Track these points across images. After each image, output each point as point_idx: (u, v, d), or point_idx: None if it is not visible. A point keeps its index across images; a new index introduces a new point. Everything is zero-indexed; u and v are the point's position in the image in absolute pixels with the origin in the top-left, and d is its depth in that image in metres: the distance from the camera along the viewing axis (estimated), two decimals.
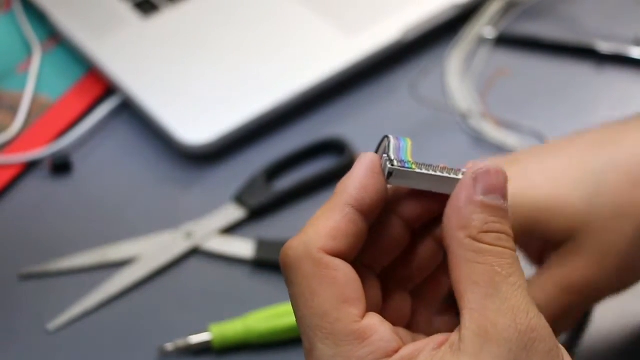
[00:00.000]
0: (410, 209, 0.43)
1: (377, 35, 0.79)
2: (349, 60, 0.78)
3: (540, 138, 0.73)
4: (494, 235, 0.39)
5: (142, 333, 0.64)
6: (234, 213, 0.70)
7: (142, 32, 0.81)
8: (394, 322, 0.41)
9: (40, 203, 0.71)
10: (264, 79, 0.77)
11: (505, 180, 0.40)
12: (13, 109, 0.77)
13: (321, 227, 0.40)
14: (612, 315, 0.62)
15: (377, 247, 0.43)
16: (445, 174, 0.41)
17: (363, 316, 0.39)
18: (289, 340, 0.63)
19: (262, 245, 0.68)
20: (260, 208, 0.70)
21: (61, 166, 0.73)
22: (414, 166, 0.41)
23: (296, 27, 0.81)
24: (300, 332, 0.40)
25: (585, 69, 0.79)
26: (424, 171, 0.41)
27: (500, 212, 0.40)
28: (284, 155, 0.73)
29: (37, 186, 0.73)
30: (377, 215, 0.42)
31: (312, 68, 0.77)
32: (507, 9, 0.83)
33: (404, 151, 0.42)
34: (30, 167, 0.74)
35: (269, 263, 0.67)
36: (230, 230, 0.70)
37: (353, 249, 0.41)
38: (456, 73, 0.79)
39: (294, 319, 0.61)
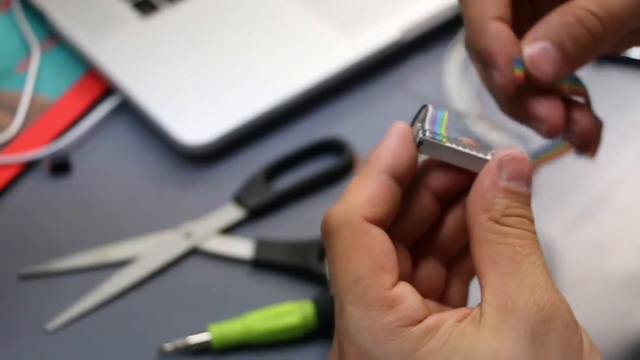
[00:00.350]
0: (439, 181, 0.44)
1: (376, 35, 0.79)
2: (348, 60, 0.78)
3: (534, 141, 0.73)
4: (515, 218, 0.41)
5: (141, 333, 0.64)
6: (233, 213, 0.70)
7: (142, 32, 0.81)
8: (425, 294, 0.42)
9: (40, 203, 0.71)
10: (263, 79, 0.77)
11: (530, 167, 0.42)
12: (12, 109, 0.77)
13: (359, 195, 0.42)
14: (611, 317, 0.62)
15: (408, 219, 0.44)
16: (474, 153, 0.43)
17: (395, 284, 0.40)
18: (289, 340, 0.63)
19: (261, 245, 0.68)
20: (259, 208, 0.70)
21: (60, 166, 0.73)
22: (444, 139, 0.43)
23: (295, 27, 0.81)
24: (333, 294, 0.41)
25: (584, 68, 0.78)
26: (453, 146, 0.43)
27: (523, 198, 0.41)
28: (283, 155, 0.73)
29: (36, 186, 0.73)
30: (408, 183, 0.43)
31: (311, 68, 0.77)
32: None
33: (439, 123, 0.44)
34: (29, 167, 0.74)
35: (269, 263, 0.67)
36: (230, 230, 0.70)
37: (390, 215, 0.42)
38: (454, 73, 0.79)
39: (294, 318, 0.62)
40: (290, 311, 0.63)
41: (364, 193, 0.42)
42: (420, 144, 0.43)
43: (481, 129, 0.74)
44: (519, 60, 0.45)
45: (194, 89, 0.76)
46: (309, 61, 0.78)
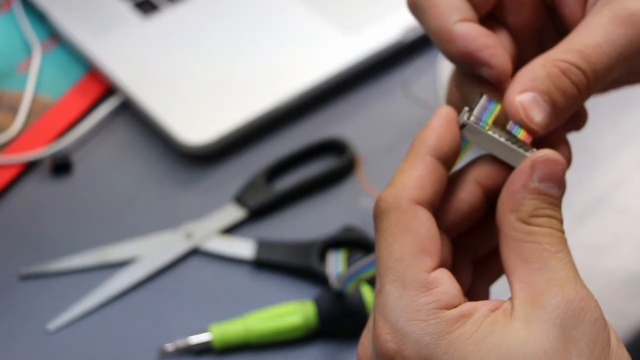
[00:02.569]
0: (489, 178, 0.44)
1: (377, 36, 0.79)
2: (348, 61, 0.78)
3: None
4: (544, 219, 0.41)
5: (142, 333, 0.64)
6: (234, 213, 0.70)
7: (142, 32, 0.81)
8: None
9: (40, 203, 0.72)
10: (264, 79, 0.77)
11: (563, 169, 0.42)
12: (13, 109, 0.77)
13: (407, 177, 0.43)
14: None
15: (455, 212, 0.45)
16: (514, 146, 0.43)
17: (434, 269, 0.41)
18: (290, 340, 0.63)
19: (262, 245, 0.68)
20: (260, 208, 0.70)
21: (61, 166, 0.73)
22: (487, 127, 0.44)
23: (296, 28, 0.81)
24: (376, 274, 0.42)
25: None
26: (494, 135, 0.43)
27: (553, 199, 0.42)
28: (284, 155, 0.73)
29: (37, 186, 0.73)
30: (453, 164, 0.44)
31: (312, 68, 0.78)
32: None
33: (488, 112, 0.44)
34: (30, 167, 0.74)
35: (269, 263, 0.67)
36: (230, 230, 0.70)
37: (437, 197, 0.43)
38: (447, 75, 0.79)
39: (295, 319, 0.62)
40: (291, 311, 0.63)
41: (411, 175, 0.43)
42: (462, 127, 0.44)
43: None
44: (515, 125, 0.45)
45: (195, 89, 0.76)
46: (310, 61, 0.78)
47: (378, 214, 0.43)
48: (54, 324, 0.64)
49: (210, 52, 0.79)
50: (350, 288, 0.60)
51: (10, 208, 0.71)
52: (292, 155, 0.73)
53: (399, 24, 0.80)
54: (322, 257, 0.66)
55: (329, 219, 0.69)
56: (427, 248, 0.41)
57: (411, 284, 0.41)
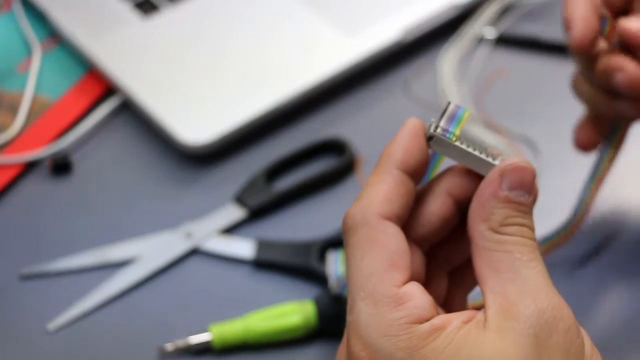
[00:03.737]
0: (460, 189, 0.44)
1: (377, 36, 0.79)
2: (349, 61, 0.78)
3: (530, 144, 0.73)
4: (514, 227, 0.41)
5: (141, 333, 0.64)
6: (234, 213, 0.70)
7: (142, 32, 0.81)
8: None
9: (40, 203, 0.71)
10: (263, 79, 0.77)
11: (532, 176, 0.42)
12: (13, 109, 0.77)
13: (374, 192, 0.42)
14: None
15: (426, 224, 0.44)
16: (483, 156, 0.43)
17: (405, 283, 0.41)
18: (290, 340, 0.63)
19: (262, 245, 0.68)
20: (260, 208, 0.70)
21: (61, 166, 0.73)
22: (454, 138, 0.43)
23: (296, 27, 0.81)
24: (347, 291, 0.42)
25: None
26: (462, 145, 0.43)
27: (523, 207, 0.41)
28: (284, 155, 0.73)
29: (37, 186, 0.73)
30: (421, 178, 0.44)
31: (312, 68, 0.77)
32: (506, 10, 0.83)
33: (456, 121, 0.44)
34: (30, 167, 0.74)
35: (269, 263, 0.67)
36: (230, 230, 0.70)
37: (406, 210, 0.43)
38: (450, 74, 0.79)
39: (295, 319, 0.62)
40: (291, 311, 0.63)
41: (379, 190, 0.42)
42: (429, 139, 0.43)
43: (477, 131, 0.74)
44: (606, 19, 0.52)
45: (195, 89, 0.76)
46: (310, 61, 0.78)
47: (347, 230, 0.42)
48: (54, 324, 0.64)
49: (210, 52, 0.79)
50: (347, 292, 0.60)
51: (10, 208, 0.71)
52: (292, 155, 0.73)
53: (399, 24, 0.80)
54: (322, 257, 0.66)
55: (329, 219, 0.69)
56: (396, 262, 0.41)
57: (382, 300, 0.40)
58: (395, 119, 0.77)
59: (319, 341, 0.63)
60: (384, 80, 0.80)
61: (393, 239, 0.42)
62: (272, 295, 0.65)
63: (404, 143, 0.43)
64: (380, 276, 0.41)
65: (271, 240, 0.68)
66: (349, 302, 0.42)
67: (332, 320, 0.62)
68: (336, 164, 0.73)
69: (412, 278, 0.41)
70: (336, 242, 0.67)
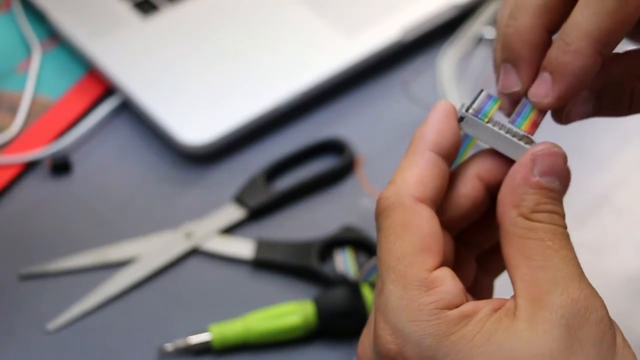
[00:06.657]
0: (491, 173, 0.44)
1: (377, 36, 0.80)
2: (348, 61, 0.78)
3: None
4: (545, 214, 0.40)
5: (141, 333, 0.64)
6: (233, 213, 0.70)
7: (142, 32, 0.81)
8: None
9: (40, 203, 0.71)
10: (263, 79, 0.77)
11: (564, 162, 0.41)
12: (12, 109, 0.77)
13: (408, 174, 0.42)
14: None
15: (456, 208, 0.44)
16: (514, 139, 0.43)
17: (436, 268, 0.40)
18: (289, 340, 0.63)
19: (261, 245, 0.68)
20: (260, 208, 0.70)
21: (61, 166, 0.73)
22: (486, 119, 0.43)
23: (296, 27, 0.81)
24: (377, 273, 0.42)
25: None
26: (494, 128, 0.43)
27: (554, 194, 0.41)
28: (284, 155, 0.73)
29: (36, 186, 0.73)
30: (454, 159, 0.43)
31: (312, 68, 0.78)
32: None
33: (488, 107, 0.44)
34: (29, 167, 0.74)
35: (269, 263, 0.67)
36: (230, 230, 0.70)
37: (439, 192, 0.43)
38: (450, 74, 0.79)
39: (294, 319, 0.62)
40: (290, 311, 0.63)
41: (412, 172, 0.42)
42: (461, 120, 0.43)
43: None
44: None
45: (195, 89, 0.76)
46: (310, 61, 0.78)
47: (380, 212, 0.42)
48: (54, 324, 0.64)
49: (210, 52, 0.79)
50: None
51: (9, 208, 0.71)
52: (291, 155, 0.73)
53: (399, 24, 0.80)
54: (322, 257, 0.66)
55: (328, 218, 0.69)
56: (429, 246, 0.41)
57: (412, 284, 0.40)
58: (395, 119, 0.78)
59: (318, 341, 0.63)
60: (383, 80, 0.80)
61: (427, 222, 0.41)
62: (272, 295, 0.65)
63: (437, 124, 0.43)
64: (412, 259, 0.40)
65: (271, 240, 0.68)
66: (378, 284, 0.41)
67: (331, 320, 0.62)
68: (336, 163, 0.73)
69: (443, 263, 0.41)
70: (336, 242, 0.67)
